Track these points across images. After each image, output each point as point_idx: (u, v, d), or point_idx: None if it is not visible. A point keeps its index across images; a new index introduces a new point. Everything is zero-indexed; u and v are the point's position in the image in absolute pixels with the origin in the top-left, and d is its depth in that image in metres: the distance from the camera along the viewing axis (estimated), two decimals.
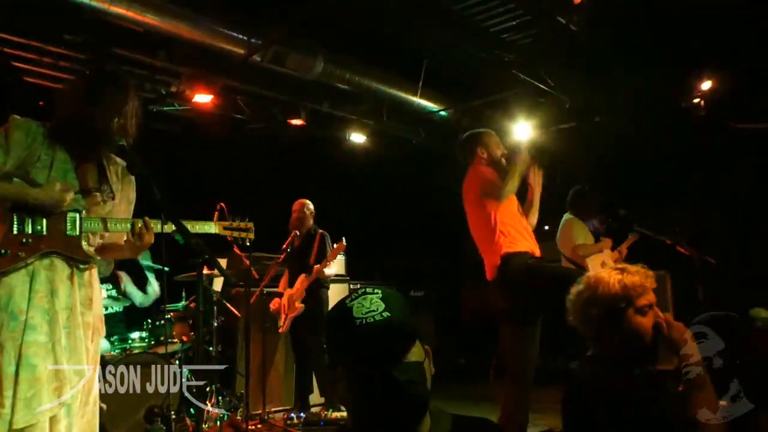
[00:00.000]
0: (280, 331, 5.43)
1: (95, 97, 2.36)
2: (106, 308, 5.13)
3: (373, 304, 1.22)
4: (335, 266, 5.51)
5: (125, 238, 2.45)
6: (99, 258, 2.49)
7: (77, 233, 2.33)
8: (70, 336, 2.31)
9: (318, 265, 5.11)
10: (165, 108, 6.04)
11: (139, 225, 2.41)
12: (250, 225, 2.82)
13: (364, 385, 1.17)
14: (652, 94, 6.01)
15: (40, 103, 4.80)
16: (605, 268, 2.01)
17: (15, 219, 2.24)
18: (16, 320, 2.19)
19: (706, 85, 5.82)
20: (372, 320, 1.19)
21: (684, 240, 4.78)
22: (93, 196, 2.42)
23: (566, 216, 5.01)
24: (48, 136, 2.33)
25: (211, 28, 4.90)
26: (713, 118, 5.78)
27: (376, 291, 1.26)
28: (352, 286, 6.55)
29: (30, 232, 2.26)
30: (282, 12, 5.08)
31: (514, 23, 5.49)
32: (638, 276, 1.92)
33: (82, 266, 2.38)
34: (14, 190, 2.24)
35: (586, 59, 5.66)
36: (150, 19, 4.47)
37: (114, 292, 5.27)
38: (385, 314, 1.20)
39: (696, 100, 5.88)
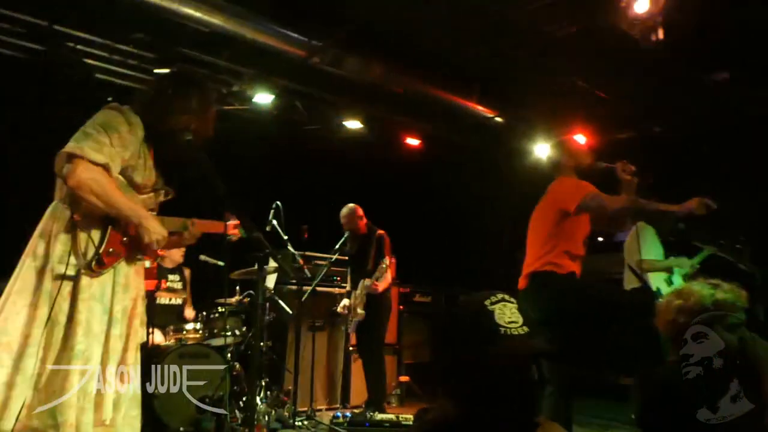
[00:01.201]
0: (350, 331, 5.62)
1: (179, 100, 2.44)
2: (170, 299, 5.32)
3: (513, 314, 1.31)
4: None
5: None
6: (162, 254, 2.61)
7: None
8: (133, 325, 2.42)
9: (373, 282, 5.26)
10: (225, 107, 6.18)
11: (190, 225, 2.55)
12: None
13: (501, 389, 1.25)
14: (713, 104, 5.83)
15: (109, 99, 5.01)
16: (699, 281, 2.03)
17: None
18: (107, 313, 2.29)
19: None
20: (516, 332, 1.27)
21: (746, 257, 4.63)
22: (160, 194, 2.54)
23: (639, 223, 4.90)
24: (146, 132, 2.40)
25: (273, 29, 4.99)
26: None
27: (512, 300, 1.34)
28: (401, 290, 6.59)
29: (122, 231, 2.35)
30: (342, 15, 5.14)
31: (574, 30, 5.41)
32: (731, 294, 1.95)
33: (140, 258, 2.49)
34: (134, 208, 2.31)
35: (647, 68, 5.52)
36: (216, 19, 4.59)
37: (180, 285, 5.46)
38: (525, 329, 1.29)
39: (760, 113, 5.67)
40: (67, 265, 2.20)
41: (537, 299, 3.39)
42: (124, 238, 2.34)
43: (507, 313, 1.28)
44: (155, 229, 2.34)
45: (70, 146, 2.17)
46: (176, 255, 5.52)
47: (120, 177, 2.31)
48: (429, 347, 6.82)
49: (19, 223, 2.59)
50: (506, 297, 1.32)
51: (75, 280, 2.21)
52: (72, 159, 2.15)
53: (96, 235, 2.28)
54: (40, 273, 2.19)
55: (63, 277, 2.19)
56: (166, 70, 4.82)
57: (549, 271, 3.35)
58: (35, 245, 2.24)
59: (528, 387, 1.27)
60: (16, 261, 2.27)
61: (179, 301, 5.46)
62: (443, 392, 1.37)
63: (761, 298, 4.16)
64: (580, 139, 3.70)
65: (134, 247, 2.40)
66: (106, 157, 2.18)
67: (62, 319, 2.18)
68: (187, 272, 5.62)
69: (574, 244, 3.40)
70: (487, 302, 1.30)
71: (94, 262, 2.24)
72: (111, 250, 2.28)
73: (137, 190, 2.40)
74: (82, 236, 2.26)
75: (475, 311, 1.30)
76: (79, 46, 5.05)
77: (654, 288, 4.91)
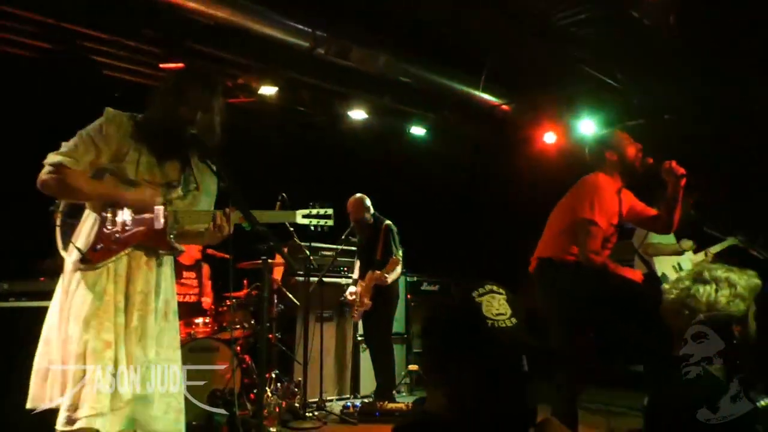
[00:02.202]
0: (354, 319, 5.66)
1: (184, 94, 2.45)
2: (184, 296, 5.36)
3: (501, 306, 1.27)
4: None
5: (205, 227, 2.53)
6: (182, 249, 2.60)
7: (163, 227, 2.43)
8: (141, 320, 2.42)
9: (383, 275, 5.26)
10: (231, 100, 6.18)
11: (220, 216, 2.48)
12: (330, 211, 2.81)
13: (490, 383, 1.23)
14: (726, 92, 5.77)
15: (116, 94, 5.03)
16: (715, 267, 1.98)
17: (108, 216, 2.37)
18: (101, 300, 2.32)
19: None
20: (503, 325, 1.25)
21: (758, 242, 4.59)
22: (176, 189, 2.53)
23: None
24: (137, 129, 2.44)
25: (278, 20, 4.97)
26: None
27: (500, 291, 1.30)
28: (408, 279, 6.60)
29: (121, 228, 2.38)
30: (347, 5, 5.12)
31: (583, 17, 5.36)
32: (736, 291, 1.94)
33: (161, 252, 2.50)
34: (106, 190, 2.38)
35: (658, 55, 5.46)
36: (222, 12, 4.59)
37: (195, 282, 5.50)
38: (513, 320, 1.26)
39: None
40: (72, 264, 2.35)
41: (545, 284, 3.39)
42: (116, 234, 2.35)
43: (495, 305, 1.26)
44: (140, 199, 2.38)
45: None
46: (194, 251, 5.52)
47: (110, 176, 2.40)
48: None
49: (25, 223, 2.64)
50: (495, 288, 1.29)
51: (71, 274, 2.35)
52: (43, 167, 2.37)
53: (89, 231, 2.37)
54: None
55: (65, 272, 2.38)
56: (173, 65, 4.87)
57: (559, 258, 3.33)
58: None
59: (518, 379, 1.24)
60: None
61: (193, 298, 5.49)
62: (433, 385, 1.36)
63: None
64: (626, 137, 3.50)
65: (139, 240, 2.41)
66: (63, 156, 2.32)
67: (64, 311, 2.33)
68: (205, 268, 5.64)
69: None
70: (474, 294, 1.27)
71: (79, 259, 2.32)
72: (99, 246, 2.33)
73: (133, 186, 2.41)
74: (80, 232, 2.39)
75: (462, 304, 1.29)
76: (86, 44, 5.05)
77: (659, 273, 4.89)
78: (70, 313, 2.30)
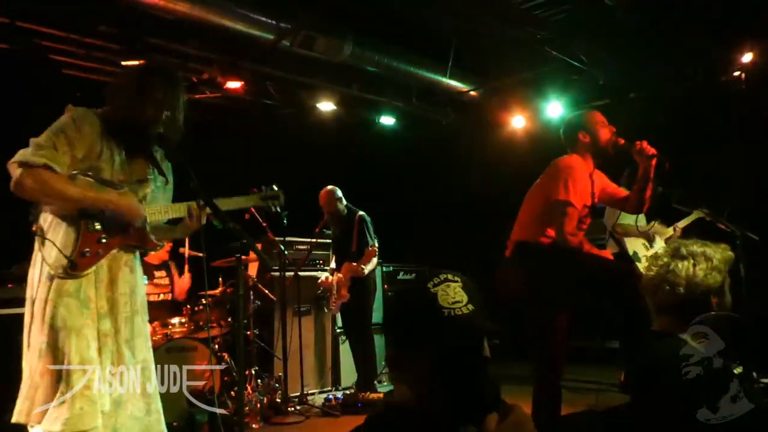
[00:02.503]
0: (332, 312, 5.65)
1: (148, 92, 2.41)
2: (158, 295, 5.30)
3: (457, 293, 1.26)
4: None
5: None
6: (164, 243, 2.58)
7: (144, 225, 2.43)
8: (127, 322, 2.40)
9: (357, 266, 5.28)
10: (197, 96, 6.09)
11: (194, 208, 2.49)
12: (276, 187, 2.87)
13: (449, 371, 1.23)
14: (689, 68, 5.85)
15: (78, 94, 4.90)
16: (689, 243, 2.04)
17: (93, 219, 2.31)
18: (88, 308, 2.28)
19: (747, 57, 5.63)
20: (460, 312, 1.24)
21: (724, 216, 4.67)
22: (147, 185, 2.50)
23: None
24: (105, 127, 2.38)
25: (241, 13, 4.90)
26: (754, 93, 5.60)
27: (456, 278, 1.29)
28: (384, 269, 6.59)
29: (105, 229, 2.33)
30: None
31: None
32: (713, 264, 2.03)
33: (135, 252, 2.49)
34: (92, 195, 2.30)
35: (621, 34, 5.51)
36: (181, 6, 4.49)
37: (167, 280, 5.43)
38: (470, 307, 1.25)
39: (736, 74, 5.70)
40: (41, 270, 2.24)
41: (522, 267, 3.39)
42: (103, 237, 2.31)
43: (450, 293, 1.25)
44: (127, 205, 2.34)
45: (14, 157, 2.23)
46: (161, 252, 5.47)
47: (86, 177, 2.31)
48: None
49: None
50: (450, 276, 1.29)
51: (50, 282, 2.24)
52: (11, 166, 2.23)
53: (67, 237, 2.28)
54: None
55: (39, 281, 2.25)
56: (134, 62, 4.77)
57: (535, 241, 3.33)
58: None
59: (477, 365, 1.24)
60: None
61: (167, 296, 5.42)
62: (397, 377, 1.37)
63: (742, 257, 4.21)
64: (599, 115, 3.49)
65: (123, 242, 2.39)
66: (46, 159, 2.20)
67: (44, 320, 2.22)
68: (173, 266, 5.58)
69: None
70: (429, 284, 1.27)
71: (68, 266, 2.23)
72: (87, 251, 2.27)
73: (112, 187, 2.37)
74: (56, 239, 2.26)
75: (417, 295, 1.29)
76: (44, 42, 4.92)
77: (631, 252, 4.95)
78: (54, 323, 2.20)
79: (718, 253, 2.01)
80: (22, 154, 2.22)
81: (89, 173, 2.32)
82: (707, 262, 1.98)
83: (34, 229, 2.32)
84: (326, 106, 6.68)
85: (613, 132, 3.42)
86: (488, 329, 1.27)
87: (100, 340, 2.28)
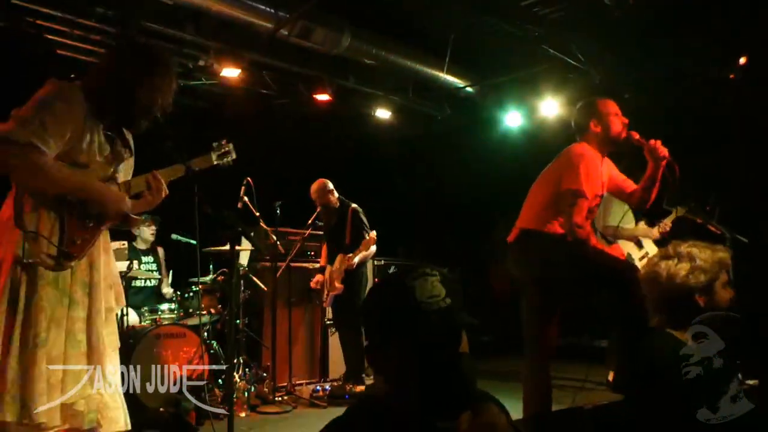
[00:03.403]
0: (324, 305, 5.61)
1: (140, 75, 2.33)
2: (145, 281, 5.28)
3: (435, 288, 1.26)
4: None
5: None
6: (142, 218, 2.54)
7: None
8: (108, 308, 2.38)
9: (353, 257, 5.23)
10: (192, 83, 6.05)
11: (151, 179, 2.46)
12: (225, 141, 2.88)
13: (424, 366, 1.22)
14: (686, 67, 5.86)
15: (72, 75, 4.85)
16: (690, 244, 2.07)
17: (75, 205, 2.25)
18: (67, 296, 2.22)
19: (744, 57, 5.63)
20: (437, 306, 1.23)
21: (714, 218, 4.68)
22: (119, 164, 2.45)
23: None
24: (90, 108, 2.29)
25: (239, 0, 4.87)
26: (749, 94, 5.62)
27: (434, 273, 1.29)
28: (376, 263, 6.59)
29: (90, 213, 2.29)
30: None
31: None
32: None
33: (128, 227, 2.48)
34: (78, 180, 2.23)
35: (617, 33, 5.52)
36: None
37: (154, 266, 5.41)
38: (447, 301, 1.25)
39: (731, 75, 5.71)
40: (23, 257, 2.11)
41: (525, 255, 3.35)
42: (90, 223, 2.27)
43: (428, 287, 1.25)
44: (113, 198, 2.32)
45: None
46: (147, 235, 5.46)
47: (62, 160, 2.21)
48: None
49: None
50: (428, 270, 1.28)
51: (32, 270, 2.14)
52: None
53: (50, 224, 2.19)
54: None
55: (20, 268, 2.13)
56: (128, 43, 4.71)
57: (542, 230, 3.27)
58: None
59: (452, 359, 1.23)
60: None
61: (154, 282, 5.41)
62: (375, 371, 1.37)
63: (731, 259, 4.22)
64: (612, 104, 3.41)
65: (108, 222, 2.36)
66: (33, 137, 2.07)
67: (21, 306, 2.11)
68: (160, 252, 5.58)
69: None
70: (406, 279, 1.27)
71: (61, 258, 2.17)
72: (77, 238, 2.22)
73: (85, 169, 2.30)
74: (39, 226, 2.16)
75: (394, 289, 1.28)
76: (39, 21, 4.87)
77: (625, 253, 4.97)
78: (34, 313, 2.11)
79: (705, 254, 2.05)
80: (4, 130, 2.08)
81: (66, 155, 2.21)
82: (690, 262, 2.03)
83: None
84: (323, 97, 6.65)
85: (625, 124, 3.36)
86: (465, 323, 1.26)
87: (71, 326, 2.22)
